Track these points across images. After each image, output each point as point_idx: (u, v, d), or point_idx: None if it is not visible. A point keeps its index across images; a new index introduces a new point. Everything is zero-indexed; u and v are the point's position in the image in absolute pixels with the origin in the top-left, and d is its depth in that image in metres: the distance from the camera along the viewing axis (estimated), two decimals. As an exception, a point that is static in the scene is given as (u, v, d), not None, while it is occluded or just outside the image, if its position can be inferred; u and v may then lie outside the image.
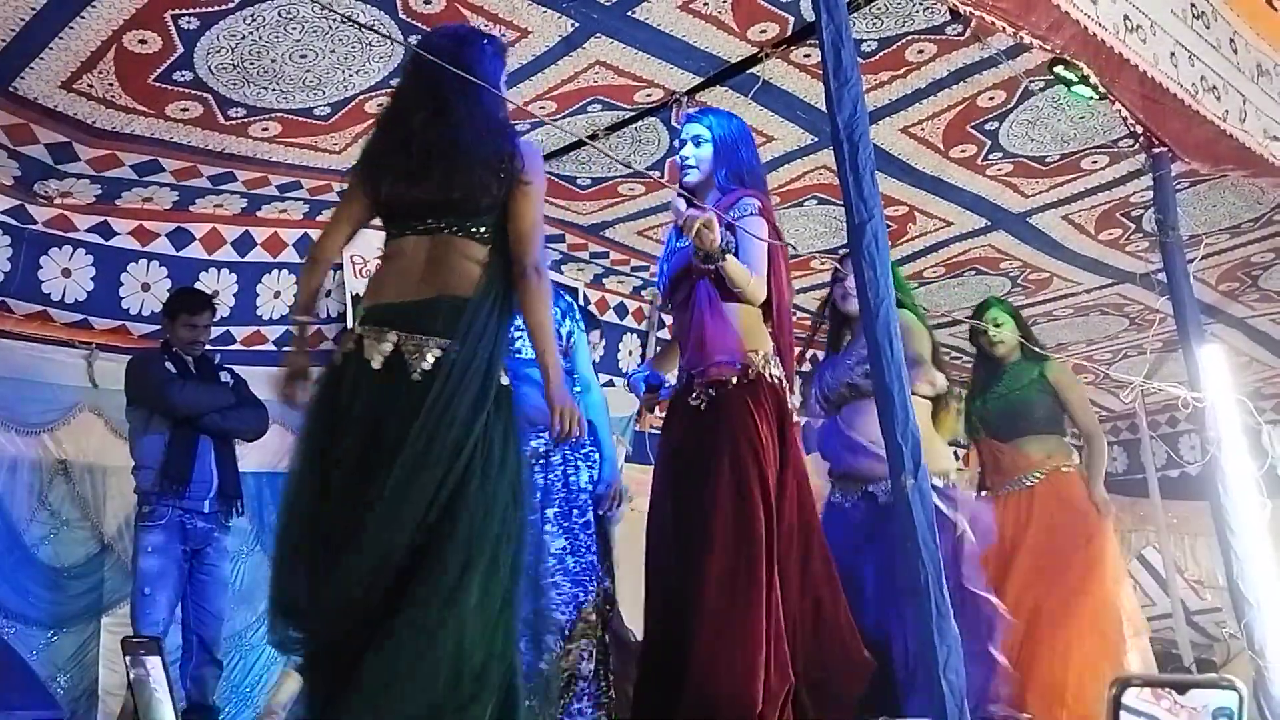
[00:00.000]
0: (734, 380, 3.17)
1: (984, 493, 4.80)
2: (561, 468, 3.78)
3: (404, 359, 2.56)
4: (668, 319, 4.65)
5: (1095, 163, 5.36)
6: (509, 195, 2.69)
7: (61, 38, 3.89)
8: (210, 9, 3.85)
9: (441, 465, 2.46)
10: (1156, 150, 4.45)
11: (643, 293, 6.88)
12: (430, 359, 2.55)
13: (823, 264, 6.30)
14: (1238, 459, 4.08)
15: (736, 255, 3.18)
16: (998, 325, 4.86)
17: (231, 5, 3.84)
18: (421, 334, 2.57)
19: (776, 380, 3.23)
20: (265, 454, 5.05)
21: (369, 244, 5.59)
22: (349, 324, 5.19)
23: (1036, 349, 4.81)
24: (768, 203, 3.41)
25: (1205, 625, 8.52)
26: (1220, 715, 1.23)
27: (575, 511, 3.75)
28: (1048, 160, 5.31)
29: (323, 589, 2.44)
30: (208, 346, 4.95)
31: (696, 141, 3.45)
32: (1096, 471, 4.81)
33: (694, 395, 3.23)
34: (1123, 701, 1.23)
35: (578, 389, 3.87)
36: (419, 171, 2.68)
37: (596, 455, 3.89)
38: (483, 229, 2.68)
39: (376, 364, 2.57)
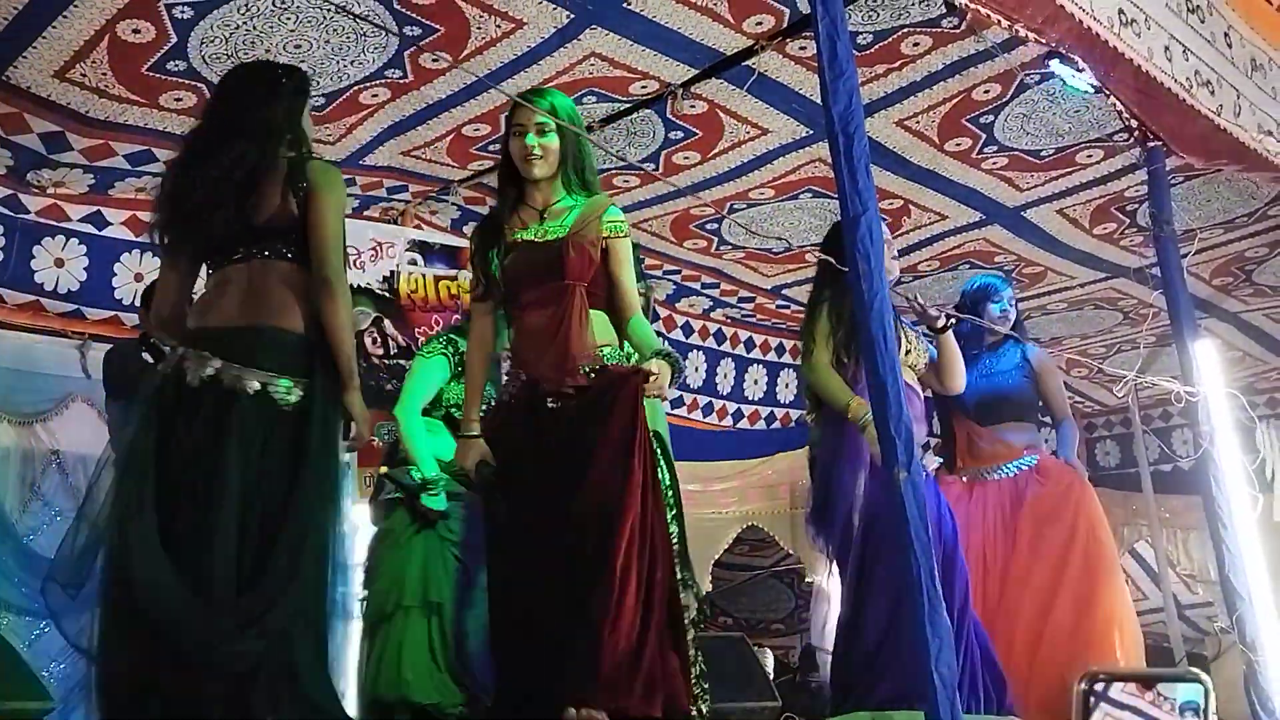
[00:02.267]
0: (601, 380, 3.05)
1: (952, 475, 4.64)
2: None
3: (223, 386, 2.72)
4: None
5: (1090, 157, 5.36)
6: (306, 213, 2.84)
7: (54, 27, 3.87)
8: (204, -2, 3.84)
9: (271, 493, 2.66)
10: (1151, 145, 4.46)
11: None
12: (251, 390, 2.72)
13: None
14: (1230, 453, 4.09)
15: (622, 270, 3.18)
16: (1012, 304, 4.71)
17: (225, -5, 3.83)
18: (241, 364, 2.73)
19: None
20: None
21: (386, 231, 5.68)
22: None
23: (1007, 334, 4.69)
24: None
25: (1197, 619, 8.54)
26: (1187, 709, 1.24)
27: None
28: (1043, 154, 5.31)
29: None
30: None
31: (541, 130, 3.17)
32: (1071, 444, 4.70)
33: (550, 400, 3.05)
34: (1108, 695, 1.24)
35: None
36: (220, 205, 2.81)
37: None
38: (287, 250, 2.85)
39: (195, 385, 2.74)
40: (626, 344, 3.24)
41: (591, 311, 3.12)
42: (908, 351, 3.97)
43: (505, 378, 3.26)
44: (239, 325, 2.79)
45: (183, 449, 2.69)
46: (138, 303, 5.29)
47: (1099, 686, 1.22)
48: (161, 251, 3.00)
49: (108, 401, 4.72)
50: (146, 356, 4.65)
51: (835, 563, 3.90)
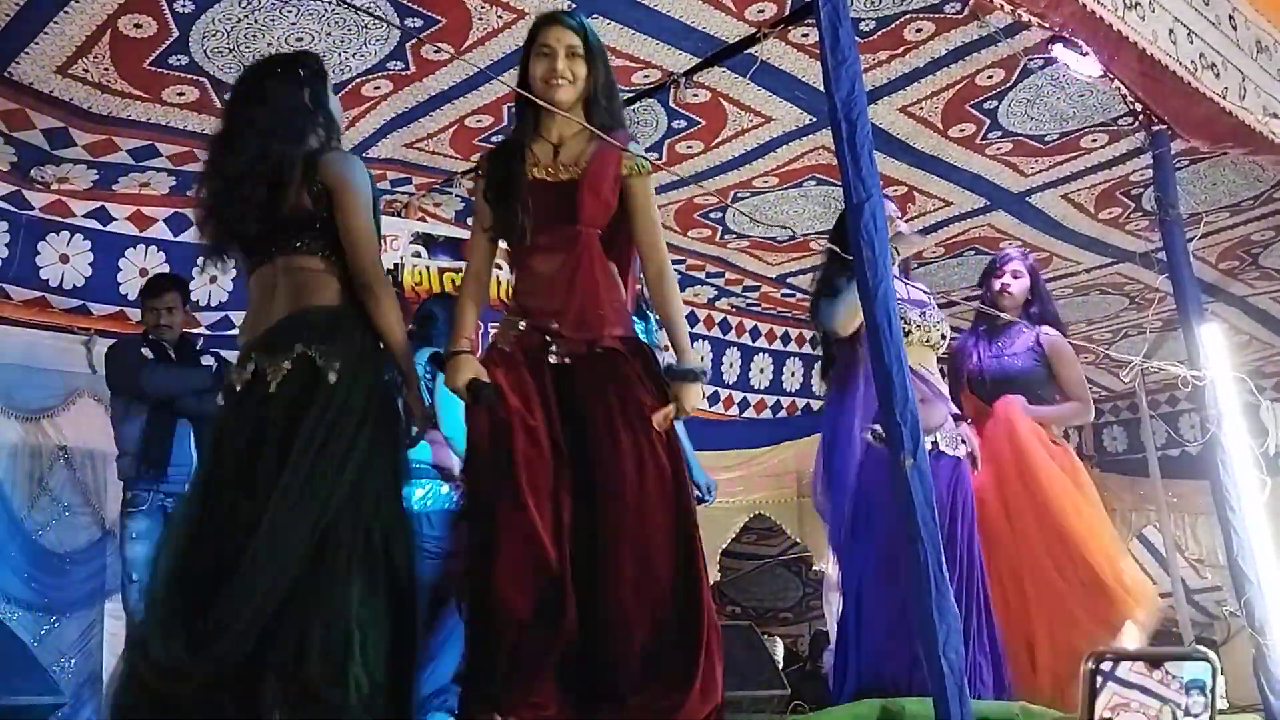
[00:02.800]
0: (618, 343, 2.80)
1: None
2: None
3: (264, 377, 2.67)
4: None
5: (1095, 141, 5.35)
6: (332, 210, 2.75)
7: (56, 22, 3.88)
8: (205, -8, 3.84)
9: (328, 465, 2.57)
10: (1156, 128, 4.44)
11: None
12: (284, 371, 2.65)
13: (821, 245, 6.31)
14: (1238, 437, 4.09)
15: (643, 213, 2.89)
16: (1016, 277, 4.58)
17: (226, -12, 3.84)
18: (278, 353, 2.68)
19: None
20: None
21: (391, 224, 5.67)
22: None
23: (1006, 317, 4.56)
24: None
25: (1206, 604, 8.56)
26: (1194, 687, 1.24)
27: None
28: (1047, 139, 5.30)
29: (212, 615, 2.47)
30: (206, 331, 4.94)
31: (572, 52, 2.85)
32: (1060, 417, 4.58)
33: (557, 353, 2.77)
34: (1115, 674, 1.24)
35: None
36: (241, 206, 2.76)
37: None
38: (309, 243, 2.77)
39: (239, 387, 2.71)
40: (650, 314, 3.04)
41: (611, 266, 2.86)
42: (908, 334, 3.88)
43: (500, 323, 2.96)
44: (273, 323, 2.74)
45: (226, 450, 2.67)
46: (143, 298, 5.32)
47: (1106, 665, 1.22)
48: (217, 257, 2.94)
49: (111, 397, 4.74)
50: (146, 352, 4.67)
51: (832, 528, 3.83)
